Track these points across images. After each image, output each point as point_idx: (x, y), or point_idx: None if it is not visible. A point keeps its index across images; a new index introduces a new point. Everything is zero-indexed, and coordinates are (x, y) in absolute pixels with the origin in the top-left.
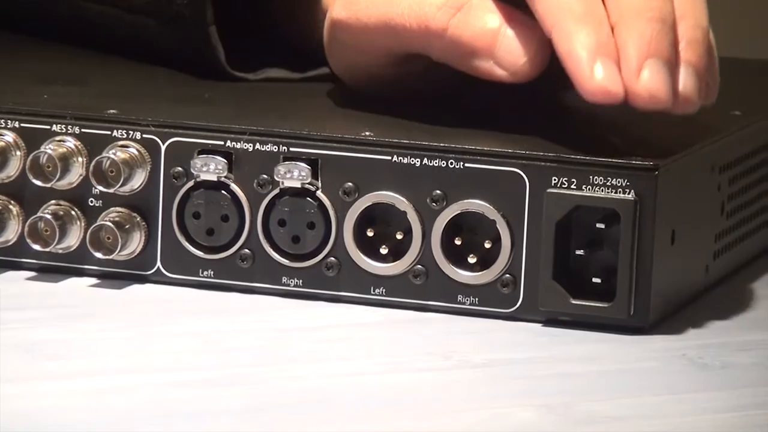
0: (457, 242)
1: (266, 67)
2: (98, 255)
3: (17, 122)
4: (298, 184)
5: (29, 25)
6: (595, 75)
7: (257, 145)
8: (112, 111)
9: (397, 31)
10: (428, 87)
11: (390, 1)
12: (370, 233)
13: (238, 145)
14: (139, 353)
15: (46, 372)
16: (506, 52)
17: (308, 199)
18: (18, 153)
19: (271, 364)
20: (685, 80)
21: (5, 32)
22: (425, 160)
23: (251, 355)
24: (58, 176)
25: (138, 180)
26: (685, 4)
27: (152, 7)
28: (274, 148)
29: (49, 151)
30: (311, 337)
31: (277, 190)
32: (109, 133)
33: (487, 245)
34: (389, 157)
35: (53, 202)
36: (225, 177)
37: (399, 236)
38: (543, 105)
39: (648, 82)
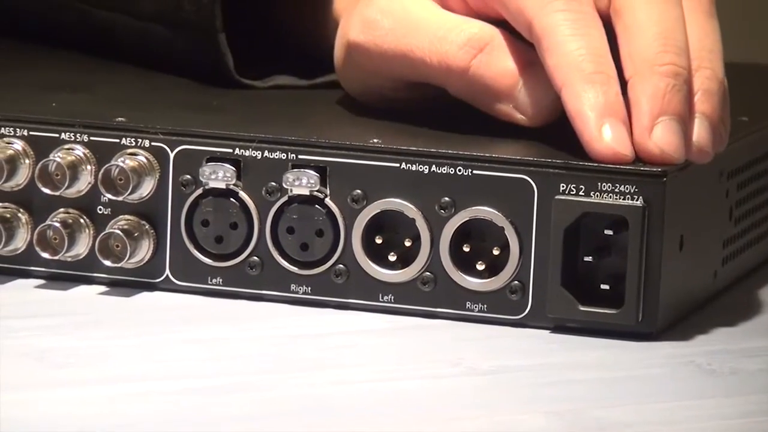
0: (466, 249)
1: (275, 75)
2: (107, 263)
3: (26, 130)
4: (306, 192)
5: (37, 32)
6: (603, 136)
7: (266, 153)
8: (120, 119)
9: (416, 64)
10: (441, 107)
11: (411, 32)
12: (378, 240)
13: (247, 153)
14: (148, 361)
15: (55, 379)
16: (526, 97)
17: (317, 206)
18: (27, 161)
19: (279, 371)
20: (699, 132)
21: (13, 40)
22: (434, 167)
23: (260, 362)
24: (66, 184)
25: (147, 188)
26: (701, 54)
27: (160, 14)
28: (283, 156)
29: (58, 159)
30: (319, 344)
31: (285, 198)
32: (117, 141)
33: (496, 252)
34: (397, 164)
35: (62, 210)
36: (233, 184)
37: (407, 243)
38: None
39: (660, 140)
